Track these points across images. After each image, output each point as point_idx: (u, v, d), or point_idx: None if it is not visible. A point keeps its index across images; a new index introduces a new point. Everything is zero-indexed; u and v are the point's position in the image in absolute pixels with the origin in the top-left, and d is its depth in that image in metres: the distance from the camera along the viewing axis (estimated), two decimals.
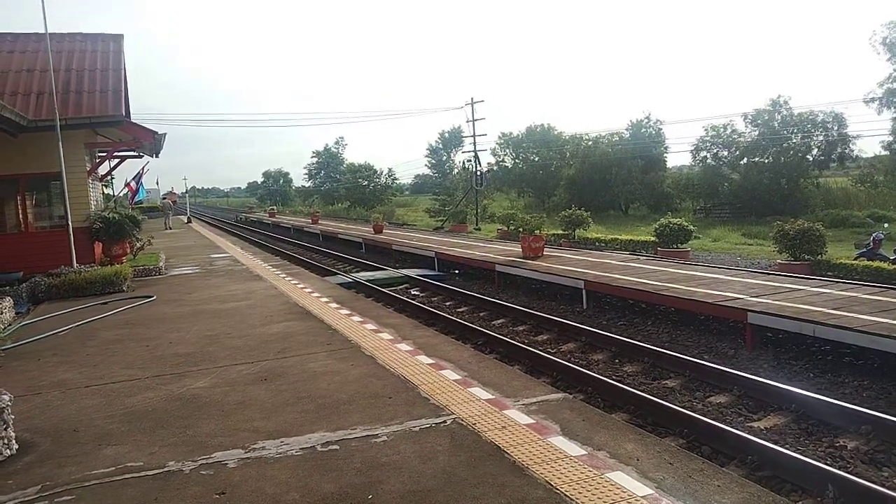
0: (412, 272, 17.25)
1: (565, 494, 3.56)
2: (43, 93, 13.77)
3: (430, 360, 6.44)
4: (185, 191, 65.42)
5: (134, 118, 16.71)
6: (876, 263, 13.96)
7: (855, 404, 6.36)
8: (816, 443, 5.85)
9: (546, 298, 13.38)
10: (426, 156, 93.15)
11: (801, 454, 5.33)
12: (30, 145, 13.49)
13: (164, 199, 56.10)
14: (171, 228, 36.14)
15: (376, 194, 66.90)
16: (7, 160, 13.76)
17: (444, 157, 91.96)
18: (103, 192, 21.61)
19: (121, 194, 26.35)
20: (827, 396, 6.60)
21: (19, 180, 14.17)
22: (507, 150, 60.48)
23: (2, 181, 14.18)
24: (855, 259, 15.16)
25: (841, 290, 9.99)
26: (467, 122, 42.69)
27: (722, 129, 42.25)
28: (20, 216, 14.50)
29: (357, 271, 18.55)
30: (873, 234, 16.45)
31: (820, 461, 5.21)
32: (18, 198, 14.41)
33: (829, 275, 13.75)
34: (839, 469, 5.07)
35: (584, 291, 12.24)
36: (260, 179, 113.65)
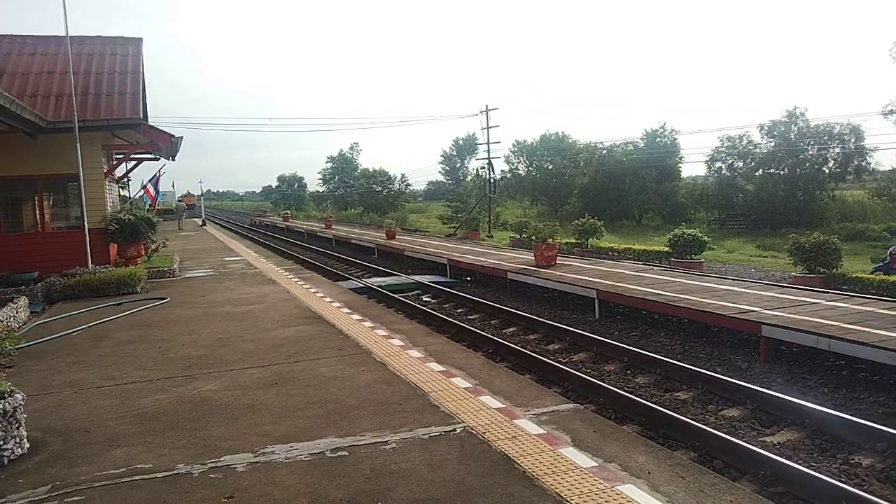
0: (424, 278, 17.25)
1: None
2: (62, 95, 13.93)
3: (441, 368, 6.42)
4: (200, 194, 66.17)
5: (151, 120, 16.89)
6: (893, 278, 13.78)
7: (870, 421, 6.26)
8: (831, 459, 5.76)
9: (558, 307, 13.32)
10: (440, 162, 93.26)
11: (814, 470, 5.25)
12: (48, 147, 13.65)
13: (180, 201, 57.12)
14: (182, 230, 36.86)
15: (390, 200, 67.09)
16: (26, 161, 13.92)
17: (458, 164, 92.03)
18: (119, 194, 21.82)
19: (137, 196, 26.61)
20: (842, 412, 6.51)
21: (38, 181, 14.32)
22: (521, 158, 60.35)
23: (20, 182, 14.34)
24: (871, 273, 14.98)
25: (857, 305, 9.86)
26: (482, 129, 42.72)
27: (737, 140, 42.04)
28: (37, 216, 14.65)
29: (369, 277, 18.57)
30: (890, 249, 16.22)
31: (834, 478, 5.13)
32: (36, 198, 14.56)
33: (845, 289, 13.59)
34: (854, 486, 4.99)
35: (596, 301, 12.17)
36: (275, 184, 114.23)
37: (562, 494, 3.67)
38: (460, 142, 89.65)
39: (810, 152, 38.70)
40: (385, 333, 8.09)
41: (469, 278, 17.88)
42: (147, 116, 16.62)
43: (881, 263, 15.80)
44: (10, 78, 14.31)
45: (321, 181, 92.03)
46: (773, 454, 5.52)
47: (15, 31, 17.68)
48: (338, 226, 42.83)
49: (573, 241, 24.51)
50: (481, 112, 42.24)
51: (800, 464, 5.41)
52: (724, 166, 42.83)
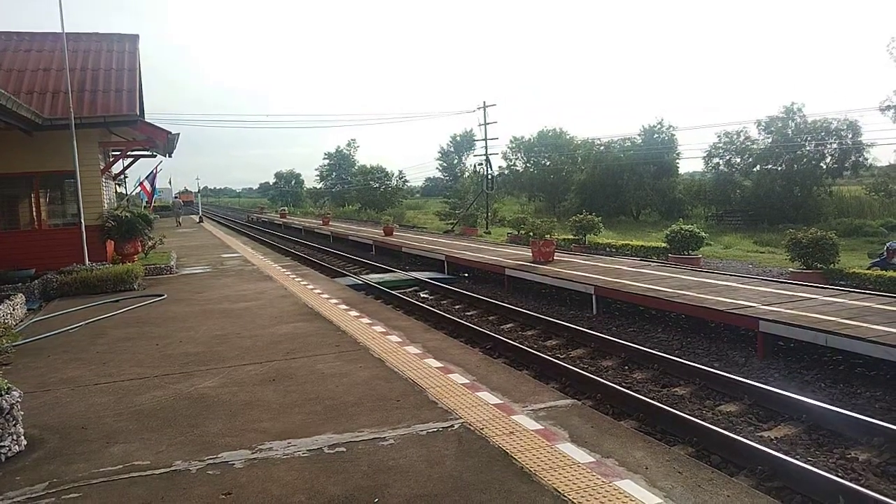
0: (422, 275, 17.24)
1: (573, 502, 3.53)
2: (59, 92, 13.90)
3: (439, 364, 6.42)
4: (197, 191, 66.08)
5: (147, 118, 16.85)
6: (889, 273, 13.82)
7: (867, 415, 6.28)
8: (827, 454, 5.78)
9: (556, 303, 13.33)
10: (437, 159, 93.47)
11: (811, 465, 5.27)
12: (45, 144, 13.62)
13: (176, 198, 57.14)
14: (180, 225, 37.06)
15: (387, 196, 67.05)
16: (22, 158, 13.90)
17: (456, 161, 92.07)
18: (116, 191, 21.77)
19: (134, 193, 26.55)
20: (839, 407, 6.52)
21: (34, 178, 14.29)
22: (519, 154, 60.33)
23: (17, 179, 14.31)
24: (868, 269, 15.02)
25: (854, 300, 9.88)
26: (479, 125, 42.71)
27: (735, 136, 42.05)
28: (34, 213, 14.62)
29: (367, 273, 18.56)
30: (887, 244, 16.26)
31: (831, 473, 5.15)
32: (33, 195, 14.53)
33: (842, 284, 13.62)
34: (850, 481, 5.01)
35: (594, 297, 12.18)
36: (272, 180, 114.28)
37: (559, 490, 3.67)
38: (458, 138, 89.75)
39: (807, 148, 38.70)
40: (383, 330, 8.08)
41: (467, 275, 17.87)
42: (144, 113, 16.57)
43: (878, 259, 15.84)
44: (5, 75, 14.27)
45: (318, 178, 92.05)
46: (771, 449, 5.53)
47: (11, 29, 17.61)
48: (335, 222, 42.80)
49: (571, 237, 24.54)
50: (479, 108, 42.27)
51: (797, 459, 5.42)
52: (721, 162, 42.85)
